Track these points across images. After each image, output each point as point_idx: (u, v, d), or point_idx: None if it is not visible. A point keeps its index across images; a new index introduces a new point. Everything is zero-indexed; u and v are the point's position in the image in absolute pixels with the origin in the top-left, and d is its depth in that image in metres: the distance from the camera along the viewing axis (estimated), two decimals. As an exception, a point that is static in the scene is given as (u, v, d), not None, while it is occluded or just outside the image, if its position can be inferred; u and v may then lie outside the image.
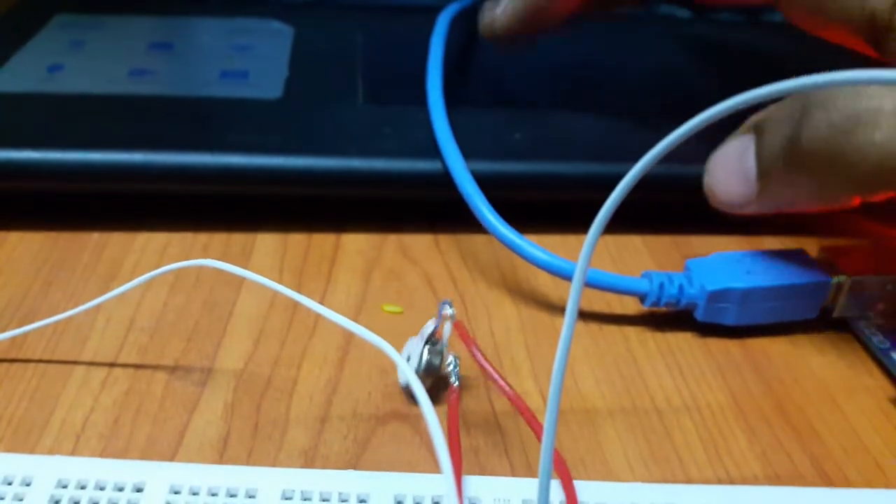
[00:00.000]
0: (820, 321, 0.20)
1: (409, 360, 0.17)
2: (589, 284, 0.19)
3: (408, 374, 0.13)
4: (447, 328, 0.17)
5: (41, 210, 0.23)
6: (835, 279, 0.19)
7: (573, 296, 0.11)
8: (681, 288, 0.19)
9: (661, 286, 0.19)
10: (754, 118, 0.19)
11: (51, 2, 0.32)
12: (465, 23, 0.31)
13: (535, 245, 0.20)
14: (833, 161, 0.17)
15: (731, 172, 0.19)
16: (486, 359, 0.16)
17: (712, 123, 0.10)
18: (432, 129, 0.23)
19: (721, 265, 0.20)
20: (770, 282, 0.19)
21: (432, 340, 0.17)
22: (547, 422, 0.12)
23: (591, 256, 0.11)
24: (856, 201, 0.19)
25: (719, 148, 0.20)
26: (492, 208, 0.20)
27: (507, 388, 0.16)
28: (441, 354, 0.17)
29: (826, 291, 0.20)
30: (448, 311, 0.17)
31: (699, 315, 0.19)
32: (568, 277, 0.19)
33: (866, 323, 0.20)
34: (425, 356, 0.17)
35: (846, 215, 0.24)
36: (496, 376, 0.16)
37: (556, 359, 0.12)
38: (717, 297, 0.19)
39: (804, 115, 0.17)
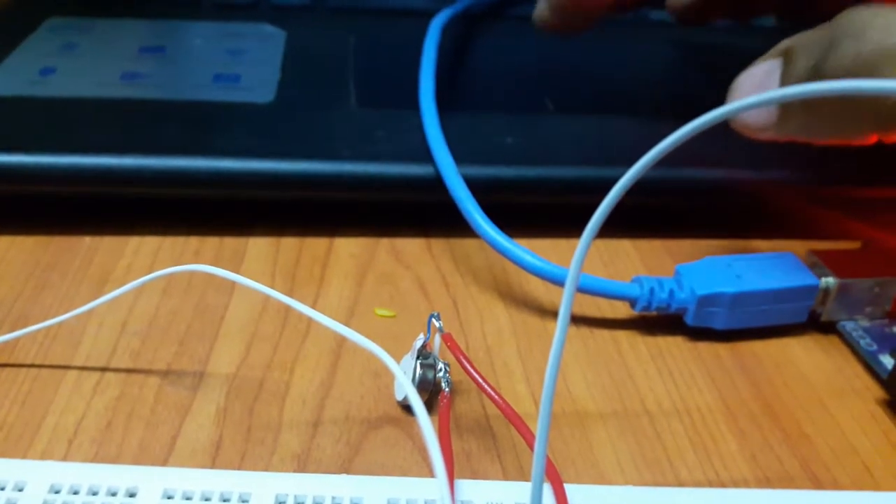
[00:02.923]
0: (809, 324, 0.20)
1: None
2: (580, 290, 0.19)
3: (406, 385, 0.13)
4: (437, 340, 0.17)
5: (33, 214, 0.23)
6: (823, 282, 0.20)
7: (565, 302, 0.11)
8: (671, 293, 0.19)
9: (652, 291, 0.19)
10: (784, 43, 0.19)
11: (42, 4, 0.32)
12: (458, 28, 0.31)
13: (527, 250, 0.20)
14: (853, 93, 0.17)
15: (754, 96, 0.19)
16: (476, 370, 0.17)
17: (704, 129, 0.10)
18: (424, 133, 0.23)
19: (711, 270, 0.20)
20: (759, 286, 0.19)
21: (423, 354, 0.17)
22: (539, 427, 0.12)
23: (583, 262, 0.11)
24: (872, 138, 0.18)
25: (746, 70, 0.20)
26: (484, 214, 0.20)
27: (497, 399, 0.16)
28: (433, 368, 0.17)
29: (814, 295, 0.20)
30: (436, 323, 0.17)
31: (689, 319, 0.20)
32: (560, 283, 0.20)
33: (854, 325, 0.20)
34: (418, 371, 0.17)
35: (835, 218, 0.24)
36: (487, 388, 0.16)
37: (549, 364, 0.12)
38: (707, 301, 0.19)
39: (833, 44, 0.17)
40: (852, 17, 0.17)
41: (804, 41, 0.19)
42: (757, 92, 0.19)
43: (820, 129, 0.19)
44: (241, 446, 0.16)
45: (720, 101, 0.10)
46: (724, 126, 0.11)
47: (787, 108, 0.19)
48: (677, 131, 0.10)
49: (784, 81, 0.19)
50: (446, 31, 0.29)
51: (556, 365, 0.12)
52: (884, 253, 0.21)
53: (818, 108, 0.18)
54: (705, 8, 0.26)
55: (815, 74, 0.18)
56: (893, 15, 0.17)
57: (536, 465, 0.12)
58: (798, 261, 0.20)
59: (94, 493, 0.14)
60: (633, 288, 0.19)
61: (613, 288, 0.20)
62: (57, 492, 0.14)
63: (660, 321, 0.20)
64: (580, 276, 0.19)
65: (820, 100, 0.18)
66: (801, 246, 0.21)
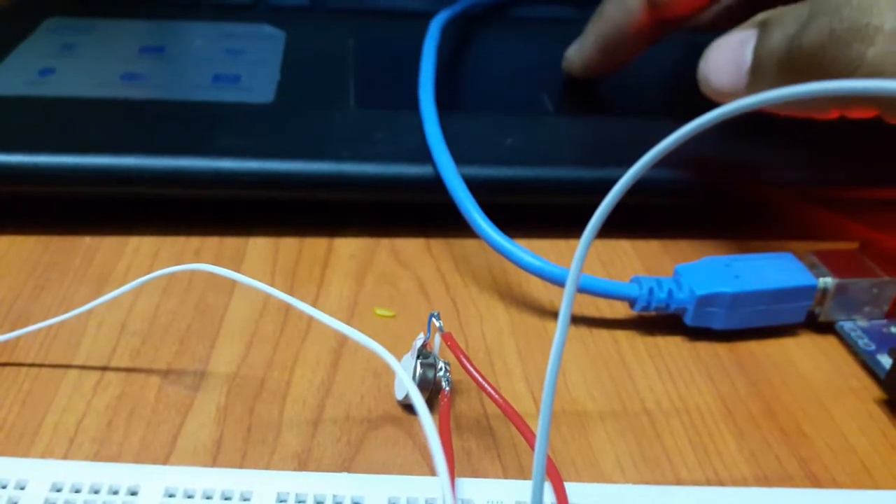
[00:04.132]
0: (807, 324, 0.20)
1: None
2: (580, 290, 0.19)
3: (407, 384, 0.14)
4: (437, 340, 0.17)
5: (33, 214, 0.23)
6: (821, 282, 0.20)
7: (566, 302, 0.11)
8: (670, 293, 0.19)
9: (651, 291, 0.19)
10: (761, 15, 0.20)
11: (42, 5, 0.32)
12: (458, 29, 0.32)
13: (527, 251, 0.20)
14: (824, 68, 0.18)
15: (726, 61, 0.20)
16: (476, 369, 0.17)
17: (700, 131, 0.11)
18: (424, 134, 0.23)
19: (710, 270, 0.20)
20: (758, 286, 0.19)
21: (423, 353, 0.17)
22: (540, 426, 0.12)
23: (584, 262, 0.11)
24: (834, 114, 0.19)
25: (722, 36, 0.21)
26: (483, 214, 0.20)
27: (498, 398, 0.16)
28: (433, 367, 0.17)
29: (813, 295, 0.20)
30: (436, 323, 0.17)
31: (688, 319, 0.20)
32: (560, 283, 0.20)
33: (853, 326, 0.20)
34: (419, 370, 0.17)
35: (834, 218, 0.24)
36: (487, 387, 0.16)
37: (549, 364, 0.12)
38: (706, 301, 0.19)
39: (811, 18, 0.18)
40: None
41: (781, 14, 0.19)
42: (729, 59, 0.20)
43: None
44: (241, 445, 0.16)
45: (714, 102, 0.10)
46: (722, 127, 0.11)
47: (758, 74, 0.19)
48: (676, 132, 0.11)
49: (758, 52, 0.19)
50: (445, 31, 0.29)
51: (557, 364, 0.12)
52: (882, 253, 0.21)
53: (787, 78, 0.19)
54: (722, 19, 0.27)
55: (790, 47, 0.18)
56: None
57: (537, 463, 0.12)
58: (797, 261, 0.20)
59: (96, 492, 0.14)
60: (632, 288, 0.20)
61: (612, 288, 0.20)
62: (59, 490, 0.14)
63: (659, 321, 0.20)
64: (581, 276, 0.19)
65: (793, 71, 0.18)
66: (799, 247, 0.21)
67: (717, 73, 0.20)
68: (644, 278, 0.20)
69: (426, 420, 0.12)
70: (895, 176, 0.24)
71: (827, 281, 0.20)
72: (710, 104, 0.11)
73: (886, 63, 0.17)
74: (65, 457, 0.16)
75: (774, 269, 0.20)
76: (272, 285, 0.21)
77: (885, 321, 0.20)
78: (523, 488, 0.15)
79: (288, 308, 0.20)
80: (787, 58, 0.18)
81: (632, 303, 0.20)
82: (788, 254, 0.20)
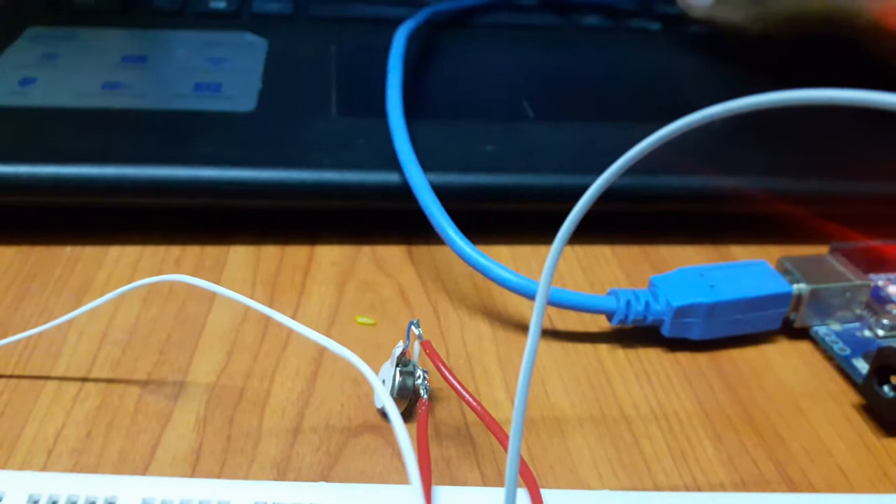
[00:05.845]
0: (783, 330, 0.21)
1: (384, 383, 0.17)
2: (557, 304, 0.19)
3: (382, 395, 0.14)
4: (416, 348, 0.17)
5: (13, 223, 0.23)
6: (796, 289, 0.20)
7: (536, 314, 0.12)
8: (647, 305, 0.19)
9: (628, 304, 0.19)
10: None
11: (23, 14, 0.31)
12: (438, 37, 0.32)
13: (500, 264, 0.20)
14: None
15: None
16: (454, 377, 0.17)
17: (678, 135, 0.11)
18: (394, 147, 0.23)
19: (685, 280, 0.20)
20: (734, 295, 0.19)
21: (403, 361, 0.17)
22: (513, 432, 0.12)
23: (554, 275, 0.12)
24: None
25: None
26: (456, 227, 0.20)
27: (475, 405, 0.16)
28: (413, 375, 0.17)
29: (788, 301, 0.20)
30: (415, 331, 0.17)
31: (665, 331, 0.20)
32: (531, 297, 0.20)
33: (827, 330, 0.20)
34: (398, 378, 0.17)
35: (808, 223, 0.24)
36: (465, 394, 0.16)
37: (521, 373, 0.12)
38: (682, 312, 0.19)
39: None
40: None
41: None
42: None
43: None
44: (220, 455, 0.16)
45: (693, 107, 0.10)
46: (698, 132, 0.11)
47: None
48: (644, 140, 0.11)
49: None
50: (426, 40, 0.29)
51: (528, 373, 0.12)
52: (851, 256, 0.21)
53: None
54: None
55: None
56: None
57: (510, 469, 0.13)
58: (771, 268, 0.20)
59: (74, 503, 0.14)
60: (609, 301, 0.19)
61: (590, 302, 0.19)
62: (36, 502, 0.14)
63: (638, 328, 0.21)
64: (556, 290, 0.19)
65: None
66: (776, 251, 0.22)
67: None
68: (621, 291, 0.20)
69: (399, 429, 0.12)
70: (867, 179, 0.24)
71: (801, 287, 0.20)
72: (688, 110, 0.11)
73: None
74: (43, 468, 0.16)
75: (749, 277, 0.20)
76: (253, 294, 0.21)
77: (857, 325, 0.21)
78: (502, 495, 0.15)
79: (268, 317, 0.20)
80: None
81: (609, 316, 0.20)
82: (762, 261, 0.21)
